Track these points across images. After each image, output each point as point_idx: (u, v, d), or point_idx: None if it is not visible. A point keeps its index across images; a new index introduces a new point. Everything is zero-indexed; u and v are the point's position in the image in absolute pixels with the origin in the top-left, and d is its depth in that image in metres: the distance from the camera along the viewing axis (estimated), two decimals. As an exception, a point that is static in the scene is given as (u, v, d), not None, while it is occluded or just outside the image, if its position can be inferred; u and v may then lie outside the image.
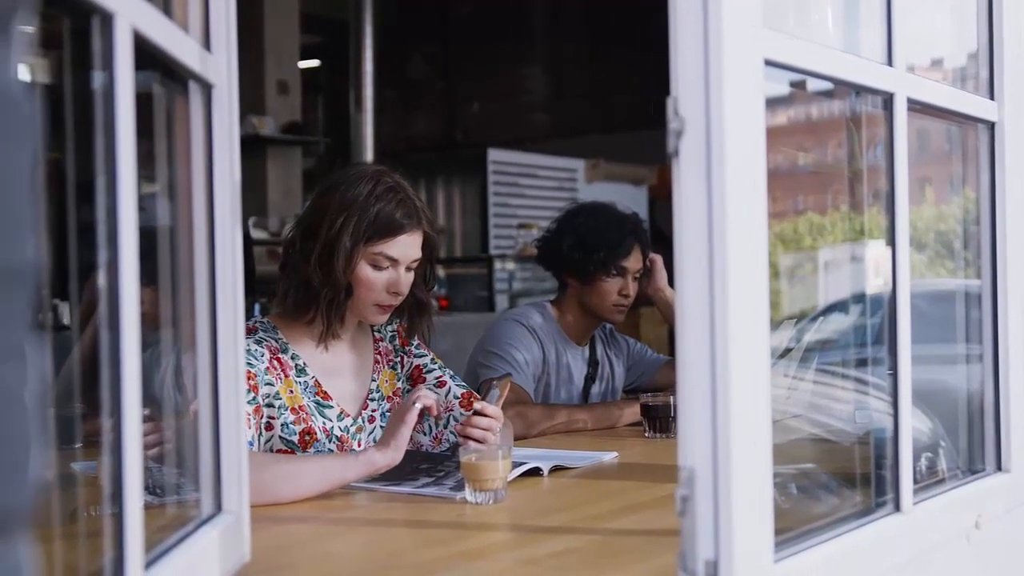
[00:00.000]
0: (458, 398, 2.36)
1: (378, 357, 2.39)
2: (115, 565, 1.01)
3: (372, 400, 2.34)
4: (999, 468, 1.83)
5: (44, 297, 0.65)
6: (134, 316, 1.03)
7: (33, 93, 0.61)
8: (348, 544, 1.70)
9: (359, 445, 2.27)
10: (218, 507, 1.38)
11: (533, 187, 8.35)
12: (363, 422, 2.31)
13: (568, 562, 1.53)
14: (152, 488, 1.33)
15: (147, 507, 1.08)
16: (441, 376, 2.41)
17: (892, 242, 1.54)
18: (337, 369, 2.31)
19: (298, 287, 2.22)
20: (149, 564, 1.10)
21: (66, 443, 1.87)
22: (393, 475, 2.05)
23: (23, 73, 0.61)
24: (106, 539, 1.05)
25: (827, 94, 1.74)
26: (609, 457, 2.37)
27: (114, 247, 1.01)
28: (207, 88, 1.36)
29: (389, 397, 2.38)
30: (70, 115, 1.08)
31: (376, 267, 2.20)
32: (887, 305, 1.57)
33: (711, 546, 1.17)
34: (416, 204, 2.25)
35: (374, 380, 2.36)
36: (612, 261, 3.01)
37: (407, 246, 2.22)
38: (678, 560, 1.19)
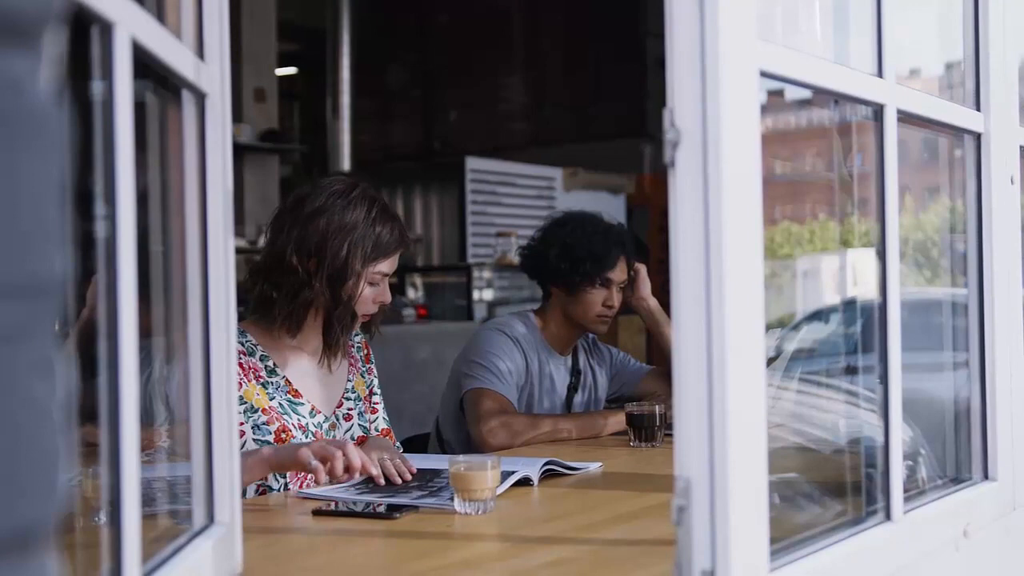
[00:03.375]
0: (378, 431, 2.46)
1: (352, 360, 2.48)
2: (112, 577, 1.00)
3: (348, 399, 2.42)
4: (986, 477, 1.84)
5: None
6: (132, 326, 1.02)
7: (61, 106, 0.61)
8: (339, 556, 1.69)
9: None
10: (210, 519, 1.37)
11: (511, 195, 8.35)
12: (337, 419, 2.38)
13: (562, 572, 1.53)
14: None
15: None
16: (378, 404, 2.53)
17: (882, 251, 1.54)
18: (311, 371, 2.36)
19: (302, 308, 2.27)
20: (144, 577, 1.09)
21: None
22: (386, 489, 2.05)
23: (51, 85, 0.61)
24: (99, 550, 1.04)
25: (804, 103, 1.75)
26: (595, 467, 2.37)
27: (113, 256, 1.00)
28: (200, 97, 1.35)
29: (364, 399, 2.47)
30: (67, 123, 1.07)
31: (371, 284, 2.31)
32: (877, 314, 1.57)
33: (708, 556, 1.17)
34: (401, 220, 2.40)
35: (350, 380, 2.44)
36: (598, 272, 3.01)
37: (396, 260, 2.36)
38: (674, 570, 1.19)
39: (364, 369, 2.51)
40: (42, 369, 0.59)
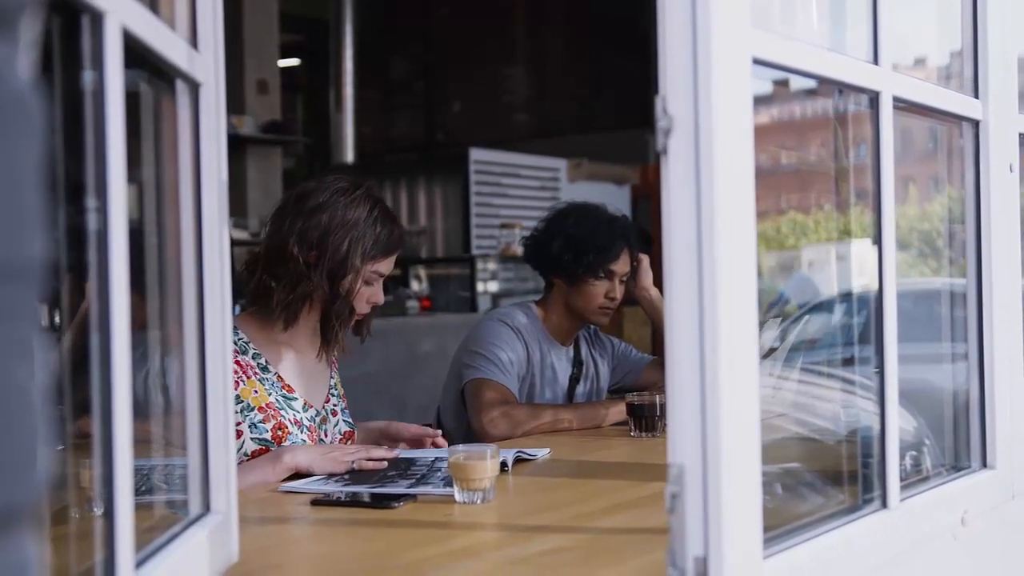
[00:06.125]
0: (341, 434, 2.47)
1: (333, 359, 2.52)
2: (106, 565, 1.01)
3: (333, 395, 2.47)
4: (984, 465, 1.84)
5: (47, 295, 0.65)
6: (124, 317, 1.02)
7: (38, 92, 0.62)
8: (336, 544, 1.69)
9: (325, 435, 2.40)
10: (206, 507, 1.38)
11: (515, 187, 8.34)
12: (327, 414, 2.43)
13: (558, 560, 1.53)
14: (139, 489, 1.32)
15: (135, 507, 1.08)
16: (344, 405, 2.54)
17: (878, 240, 1.54)
18: (299, 366, 2.40)
19: (299, 299, 2.30)
20: (139, 564, 1.10)
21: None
22: (370, 481, 2.04)
23: (29, 71, 0.61)
24: (96, 539, 1.04)
25: (810, 92, 1.75)
26: (544, 453, 2.40)
27: (104, 248, 1.00)
28: (194, 87, 1.35)
29: (343, 396, 2.52)
30: (56, 114, 1.08)
31: (367, 283, 2.34)
32: (872, 303, 1.57)
33: (700, 543, 1.17)
34: (401, 223, 2.43)
35: (332, 378, 2.49)
36: (600, 264, 3.00)
37: (392, 262, 2.40)
38: (667, 557, 1.19)
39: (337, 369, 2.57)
40: (21, 351, 0.59)
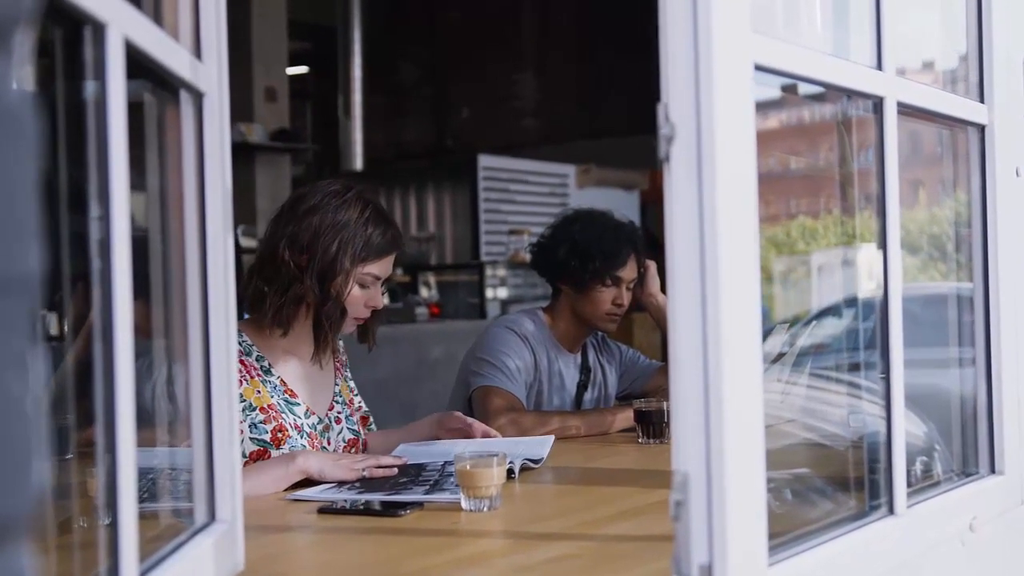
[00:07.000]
0: (345, 442, 2.46)
1: (338, 365, 2.52)
2: (110, 574, 1.01)
3: (337, 402, 2.47)
4: (992, 470, 1.83)
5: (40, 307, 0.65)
6: (127, 326, 1.02)
7: (34, 104, 0.62)
8: (342, 553, 1.69)
9: (328, 443, 2.39)
10: (212, 516, 1.38)
11: (524, 193, 8.35)
12: (330, 422, 2.42)
13: (564, 568, 1.53)
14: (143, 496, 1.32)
15: (140, 516, 1.08)
16: (350, 412, 2.51)
17: (883, 245, 1.54)
18: (303, 373, 2.40)
19: (291, 303, 2.30)
20: (143, 573, 1.10)
21: (58, 454, 1.86)
22: (382, 489, 2.04)
23: (24, 84, 0.61)
24: (100, 548, 1.05)
25: (818, 98, 1.74)
26: (548, 443, 2.42)
27: (107, 257, 1.01)
28: (198, 96, 1.36)
29: (348, 403, 2.50)
30: (60, 124, 1.08)
31: (362, 286, 2.34)
32: (879, 308, 1.57)
33: (705, 550, 1.17)
34: (397, 226, 2.42)
35: (337, 384, 2.49)
36: (607, 270, 3.00)
37: (390, 264, 2.39)
38: (672, 565, 1.19)
39: (346, 375, 2.56)
40: (15, 364, 0.59)
